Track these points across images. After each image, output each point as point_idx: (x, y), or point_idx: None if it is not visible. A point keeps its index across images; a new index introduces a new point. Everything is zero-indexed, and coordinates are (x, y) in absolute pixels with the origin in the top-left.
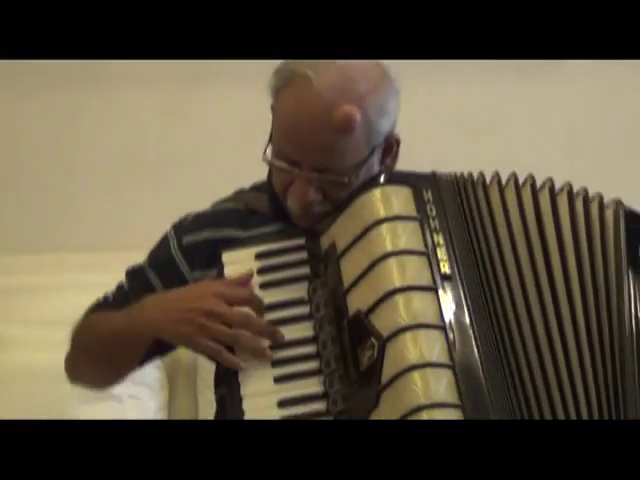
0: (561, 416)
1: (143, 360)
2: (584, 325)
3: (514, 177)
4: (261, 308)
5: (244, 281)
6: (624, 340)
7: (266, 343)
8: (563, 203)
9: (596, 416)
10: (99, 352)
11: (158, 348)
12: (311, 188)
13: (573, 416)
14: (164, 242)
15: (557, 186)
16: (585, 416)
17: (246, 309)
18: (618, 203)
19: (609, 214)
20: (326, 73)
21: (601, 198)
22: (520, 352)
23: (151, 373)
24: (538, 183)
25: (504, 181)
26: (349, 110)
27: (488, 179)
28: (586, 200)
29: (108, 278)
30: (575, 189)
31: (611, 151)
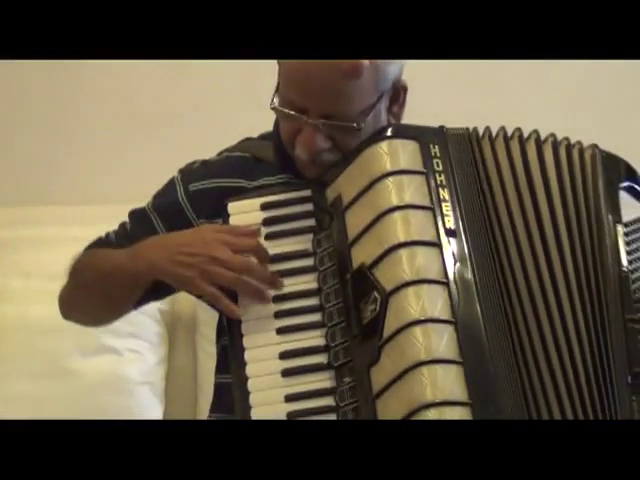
0: (557, 367)
1: (139, 302)
2: (574, 276)
3: (503, 131)
4: (266, 258)
5: (250, 233)
6: (607, 287)
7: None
8: (548, 152)
9: (589, 360)
10: (96, 288)
11: (156, 291)
12: (319, 135)
13: (568, 367)
14: (170, 187)
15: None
16: (579, 364)
17: (251, 258)
18: (594, 147)
19: (587, 158)
20: None
21: (581, 145)
22: (517, 305)
23: (151, 327)
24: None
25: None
26: None
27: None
28: (568, 148)
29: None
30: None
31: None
